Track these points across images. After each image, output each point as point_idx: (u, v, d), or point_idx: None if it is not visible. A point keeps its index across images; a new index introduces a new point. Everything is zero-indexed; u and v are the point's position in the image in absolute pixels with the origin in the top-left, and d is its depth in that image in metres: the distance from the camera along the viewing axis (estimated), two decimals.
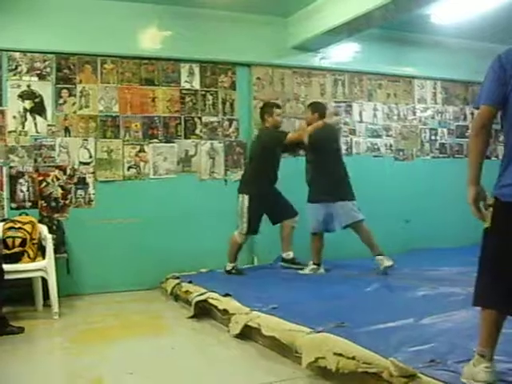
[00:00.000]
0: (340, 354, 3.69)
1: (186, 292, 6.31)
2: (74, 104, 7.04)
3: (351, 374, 3.60)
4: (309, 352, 3.96)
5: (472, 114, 9.57)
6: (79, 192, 7.04)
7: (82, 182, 7.06)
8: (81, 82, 7.08)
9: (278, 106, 7.15)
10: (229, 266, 6.98)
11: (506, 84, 3.01)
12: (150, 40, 7.37)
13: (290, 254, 7.15)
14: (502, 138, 3.59)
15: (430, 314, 4.63)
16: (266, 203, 6.85)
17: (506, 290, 3.03)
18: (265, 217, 7.04)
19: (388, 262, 6.58)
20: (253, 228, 6.86)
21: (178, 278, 6.81)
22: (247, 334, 4.96)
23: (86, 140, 7.08)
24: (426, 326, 4.36)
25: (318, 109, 7.03)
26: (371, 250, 6.70)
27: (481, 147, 3.10)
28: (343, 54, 8.43)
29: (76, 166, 7.04)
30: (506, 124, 3.06)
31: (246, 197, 6.81)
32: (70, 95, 7.02)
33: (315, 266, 6.93)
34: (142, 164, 7.33)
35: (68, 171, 7.01)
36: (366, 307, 5.11)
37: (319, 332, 4.14)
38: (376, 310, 4.95)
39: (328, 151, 6.84)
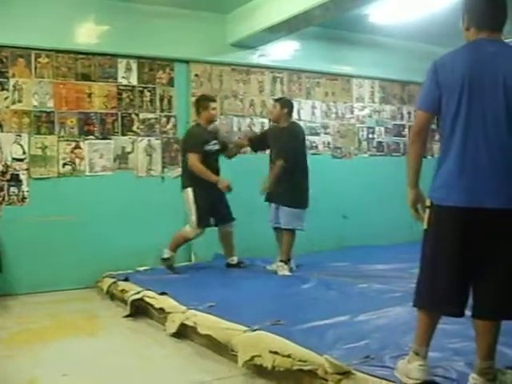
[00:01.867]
0: (276, 352, 3.71)
1: (122, 291, 6.23)
2: (6, 98, 6.83)
3: (287, 372, 3.62)
4: (245, 350, 3.95)
5: (409, 113, 9.74)
6: (12, 189, 6.84)
7: (16, 179, 6.87)
8: (14, 75, 6.86)
9: (214, 100, 7.07)
10: (166, 254, 6.82)
11: (438, 88, 3.08)
12: (87, 34, 7.20)
13: (235, 260, 7.11)
14: (437, 138, 3.64)
15: (365, 311, 4.69)
16: (210, 196, 6.72)
17: (440, 291, 3.08)
18: None
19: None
20: (203, 220, 6.73)
21: (113, 276, 6.70)
22: (184, 332, 4.94)
23: (20, 136, 6.88)
24: (361, 323, 4.43)
25: (287, 105, 6.97)
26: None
27: (418, 152, 3.19)
28: (282, 51, 8.44)
29: (9, 163, 6.84)
30: (443, 127, 3.10)
31: (190, 189, 6.72)
32: (3, 89, 6.81)
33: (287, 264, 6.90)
34: (77, 161, 7.18)
35: (0, 168, 6.81)
36: (302, 305, 5.16)
37: (255, 330, 4.15)
38: (312, 308, 5.01)
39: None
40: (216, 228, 7.05)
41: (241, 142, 7.58)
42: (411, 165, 3.21)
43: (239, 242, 7.18)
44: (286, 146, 6.77)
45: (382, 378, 3.20)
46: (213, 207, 6.80)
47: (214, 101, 7.07)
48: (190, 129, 7.17)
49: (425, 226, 3.16)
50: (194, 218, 6.71)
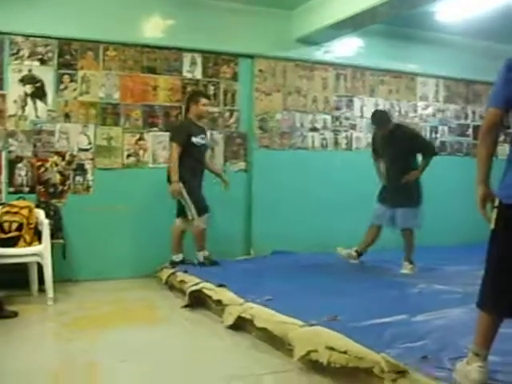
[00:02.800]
0: (332, 348, 3.70)
1: (181, 282, 6.30)
2: (74, 90, 7.01)
3: (342, 369, 3.61)
4: (301, 345, 3.96)
5: (473, 112, 9.57)
6: (77, 178, 7.03)
7: (81, 169, 7.04)
8: (82, 68, 7.05)
9: (206, 96, 7.08)
10: (176, 257, 6.88)
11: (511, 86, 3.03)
12: (153, 28, 7.33)
13: (206, 253, 6.96)
14: (502, 139, 3.56)
15: (424, 311, 4.64)
16: (199, 185, 6.81)
17: (505, 294, 3.03)
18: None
19: None
20: (202, 207, 6.76)
21: (173, 267, 6.80)
22: (241, 325, 4.97)
23: (86, 126, 7.06)
24: (420, 323, 4.37)
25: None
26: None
27: (489, 150, 3.11)
28: (346, 48, 8.40)
29: (75, 153, 7.02)
30: None
31: (181, 184, 6.68)
32: (72, 81, 7.00)
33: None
34: (141, 152, 7.32)
35: (67, 157, 6.99)
36: (360, 302, 5.10)
37: (312, 325, 4.15)
38: (370, 306, 4.95)
39: None
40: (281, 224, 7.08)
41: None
42: (480, 161, 3.14)
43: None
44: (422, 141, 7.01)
45: (439, 379, 3.16)
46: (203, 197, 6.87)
47: (207, 97, 7.08)
48: (178, 121, 7.25)
49: (492, 226, 3.09)
50: (193, 210, 6.71)
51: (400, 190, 6.68)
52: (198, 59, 7.62)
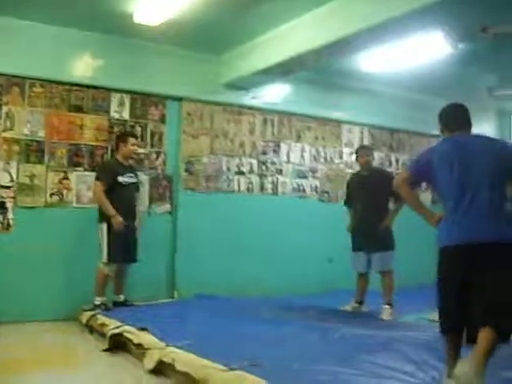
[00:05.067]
0: None
1: (102, 325, 6.16)
2: None
3: None
4: None
5: (397, 160, 9.83)
6: None
7: (1, 207, 6.85)
8: (7, 103, 6.93)
9: (134, 136, 7.16)
10: (97, 301, 6.73)
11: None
12: (81, 67, 7.29)
13: (122, 298, 7.01)
14: None
15: (349, 356, 4.65)
16: (123, 232, 6.72)
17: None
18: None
19: None
20: (114, 255, 6.71)
21: (93, 309, 6.65)
22: (162, 369, 4.87)
23: (8, 163, 6.90)
24: (342, 368, 4.36)
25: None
26: None
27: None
28: (274, 94, 8.55)
29: None
30: None
31: (105, 225, 6.69)
32: None
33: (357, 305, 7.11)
34: (65, 191, 7.18)
35: None
36: (282, 346, 5.10)
37: (233, 369, 4.11)
38: (292, 350, 4.95)
39: None
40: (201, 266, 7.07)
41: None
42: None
43: None
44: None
45: None
46: (123, 243, 6.78)
47: (135, 137, 7.14)
48: (105, 160, 7.29)
49: None
50: (104, 253, 6.69)
51: (376, 235, 6.77)
52: (126, 100, 7.60)
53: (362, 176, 7.17)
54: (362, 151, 7.20)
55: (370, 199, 6.92)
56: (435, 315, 6.28)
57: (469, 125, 4.09)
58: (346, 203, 7.39)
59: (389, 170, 9.69)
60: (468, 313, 3.66)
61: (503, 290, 3.60)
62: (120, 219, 6.62)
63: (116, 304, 6.94)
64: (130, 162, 7.12)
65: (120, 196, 6.75)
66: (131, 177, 6.93)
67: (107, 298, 6.84)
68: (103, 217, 6.73)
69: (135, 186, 7.06)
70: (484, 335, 3.49)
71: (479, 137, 4.04)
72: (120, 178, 6.78)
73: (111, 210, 6.62)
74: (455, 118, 4.15)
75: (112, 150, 7.29)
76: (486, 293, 3.59)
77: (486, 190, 3.73)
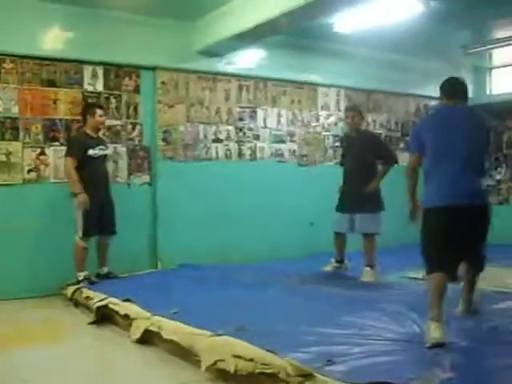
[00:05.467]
0: (239, 356, 3.72)
1: (87, 298, 6.19)
2: None
3: (249, 376, 3.63)
4: (208, 355, 3.97)
5: (374, 121, 9.84)
6: None
7: None
8: None
9: (101, 107, 7.07)
10: (79, 276, 6.73)
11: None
12: (52, 40, 7.18)
13: (105, 270, 7.03)
14: None
15: (330, 316, 4.73)
16: (97, 205, 6.71)
17: (437, 259, 4.40)
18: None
19: None
20: (88, 230, 6.70)
21: (78, 283, 6.66)
22: (149, 339, 4.92)
23: None
24: (325, 328, 4.43)
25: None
26: None
27: (413, 182, 4.73)
28: (249, 60, 8.50)
29: None
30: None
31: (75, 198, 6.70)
32: None
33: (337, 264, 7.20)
34: (42, 167, 7.13)
35: None
36: (266, 310, 5.16)
37: (219, 335, 4.16)
38: (276, 313, 5.01)
39: None
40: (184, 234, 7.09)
41: None
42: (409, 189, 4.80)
43: None
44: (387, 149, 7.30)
45: (343, 381, 3.23)
46: (99, 216, 6.78)
47: (102, 108, 7.06)
48: (72, 135, 7.19)
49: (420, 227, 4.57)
50: (79, 227, 6.68)
51: (359, 196, 6.79)
52: (100, 72, 7.51)
53: (351, 137, 7.20)
54: (349, 112, 7.17)
55: (357, 161, 6.94)
56: (416, 273, 6.50)
57: (464, 98, 4.71)
58: (341, 165, 7.43)
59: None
60: (453, 256, 4.42)
61: (477, 239, 4.54)
62: (83, 198, 6.56)
63: (100, 277, 6.95)
64: (100, 134, 7.07)
65: (92, 169, 6.71)
66: (101, 149, 6.88)
67: (90, 272, 6.84)
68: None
69: (106, 158, 7.02)
70: (470, 274, 4.68)
71: (464, 109, 4.67)
72: (90, 151, 6.73)
73: (77, 188, 6.57)
74: (453, 90, 4.73)
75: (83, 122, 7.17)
76: (465, 241, 4.40)
77: (464, 161, 4.39)
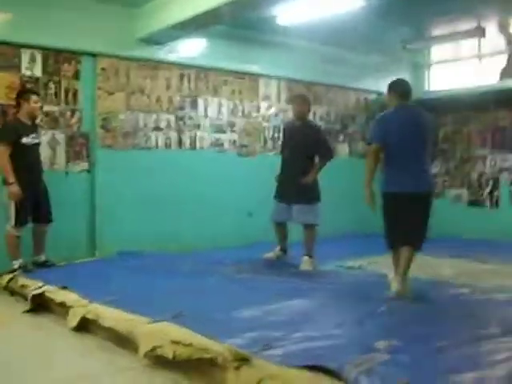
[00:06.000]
0: (177, 342, 3.75)
1: (22, 286, 6.08)
2: None
3: (187, 362, 3.66)
4: (146, 341, 3.98)
5: (314, 113, 9.93)
6: None
7: None
8: None
9: (36, 93, 6.92)
10: (14, 264, 6.60)
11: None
12: None
13: (42, 258, 6.93)
14: None
15: (267, 303, 4.80)
16: (30, 193, 6.58)
17: (393, 234, 5.39)
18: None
19: None
20: (21, 219, 6.58)
21: (14, 272, 6.54)
22: (86, 327, 4.89)
23: None
24: (263, 314, 4.51)
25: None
26: None
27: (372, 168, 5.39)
28: (190, 49, 8.47)
29: None
30: None
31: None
32: None
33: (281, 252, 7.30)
34: None
35: None
36: (204, 298, 5.21)
37: (157, 322, 4.17)
38: (214, 301, 5.06)
39: None
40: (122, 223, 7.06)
41: None
42: (368, 174, 5.42)
43: None
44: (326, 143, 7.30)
45: (281, 365, 3.29)
46: (32, 205, 6.68)
47: (37, 94, 6.92)
48: (5, 121, 7.00)
49: (382, 209, 5.39)
50: (12, 216, 6.56)
51: (297, 186, 6.86)
52: (38, 56, 7.35)
53: (295, 126, 7.21)
54: (297, 99, 7.25)
55: (297, 151, 7.00)
56: (353, 262, 6.71)
57: (410, 98, 5.55)
58: (281, 153, 7.48)
59: None
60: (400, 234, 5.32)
61: (416, 222, 5.32)
62: (15, 189, 6.41)
63: (37, 265, 6.84)
64: (37, 121, 6.95)
65: (25, 158, 6.54)
66: (34, 137, 6.72)
67: (26, 260, 6.72)
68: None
69: (38, 146, 6.85)
70: (405, 249, 5.27)
71: (416, 110, 5.53)
72: (24, 139, 6.57)
73: (10, 177, 6.41)
74: (405, 91, 5.52)
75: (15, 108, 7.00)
76: (408, 223, 5.25)
77: (414, 155, 5.31)
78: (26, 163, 6.56)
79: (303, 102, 7.18)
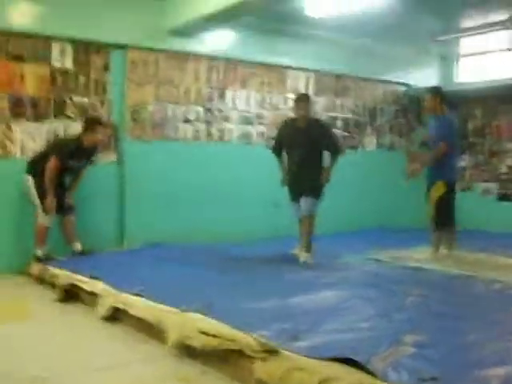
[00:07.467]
0: (204, 333, 3.77)
1: (53, 276, 6.16)
2: None
3: (215, 352, 3.68)
4: (174, 331, 4.01)
5: (342, 105, 9.91)
6: None
7: None
8: None
9: (104, 125, 7.13)
10: (37, 252, 6.77)
11: None
12: (20, 14, 7.05)
13: (78, 246, 7.07)
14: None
15: (294, 296, 4.82)
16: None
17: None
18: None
19: None
20: (50, 205, 6.75)
21: (38, 260, 6.66)
22: (115, 316, 4.94)
23: None
24: (290, 306, 4.53)
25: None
26: None
27: None
28: (219, 40, 8.47)
29: None
30: None
31: (30, 177, 6.76)
32: None
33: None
34: (8, 143, 7.05)
35: None
36: (233, 288, 5.23)
37: (186, 312, 4.20)
38: (242, 291, 5.08)
39: None
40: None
41: None
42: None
43: None
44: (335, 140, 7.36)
45: (309, 357, 3.30)
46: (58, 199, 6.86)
47: (105, 126, 7.10)
48: (69, 137, 7.18)
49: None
50: (38, 205, 6.75)
51: (308, 185, 6.91)
52: (68, 48, 7.42)
53: (300, 128, 7.05)
54: (301, 104, 7.05)
55: (308, 153, 6.96)
56: (379, 255, 6.77)
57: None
58: (274, 150, 7.36)
59: (333, 114, 9.82)
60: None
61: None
62: (50, 206, 6.68)
63: (75, 254, 6.97)
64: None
65: (65, 175, 6.90)
66: (82, 161, 6.96)
67: (51, 249, 6.86)
68: (32, 171, 6.78)
69: (79, 168, 7.04)
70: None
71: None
72: (70, 162, 6.81)
73: (49, 193, 6.66)
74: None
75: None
76: None
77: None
78: (60, 181, 6.84)
79: (306, 106, 7.05)
